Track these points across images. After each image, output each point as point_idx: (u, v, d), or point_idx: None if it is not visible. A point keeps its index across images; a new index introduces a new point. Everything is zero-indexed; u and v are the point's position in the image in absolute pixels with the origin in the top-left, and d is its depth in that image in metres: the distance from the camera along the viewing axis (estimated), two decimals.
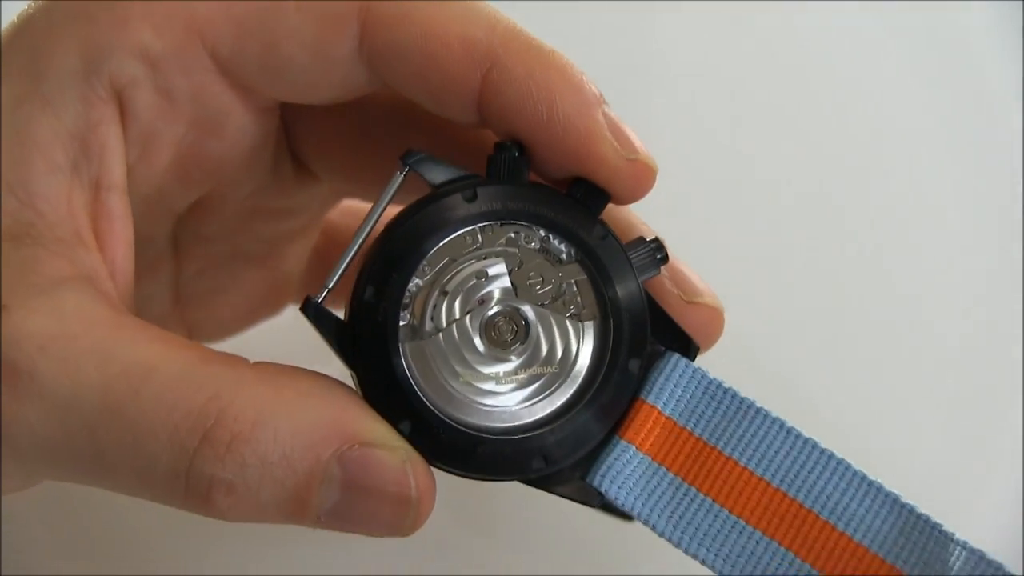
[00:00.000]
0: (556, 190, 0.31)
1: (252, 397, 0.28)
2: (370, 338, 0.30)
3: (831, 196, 0.50)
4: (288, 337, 0.38)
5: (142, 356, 0.28)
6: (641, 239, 0.32)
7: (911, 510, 0.30)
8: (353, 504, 0.29)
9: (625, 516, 0.33)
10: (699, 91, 0.52)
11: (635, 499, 0.31)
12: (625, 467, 0.31)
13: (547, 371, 0.31)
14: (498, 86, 0.30)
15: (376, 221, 0.31)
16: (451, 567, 0.43)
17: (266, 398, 0.28)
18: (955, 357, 0.48)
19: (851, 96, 0.52)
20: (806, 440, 0.31)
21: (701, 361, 0.32)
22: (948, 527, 0.30)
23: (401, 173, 0.31)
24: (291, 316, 0.40)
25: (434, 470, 0.30)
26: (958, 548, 0.30)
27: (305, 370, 0.30)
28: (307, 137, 0.36)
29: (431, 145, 0.32)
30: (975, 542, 0.30)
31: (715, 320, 0.33)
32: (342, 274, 0.31)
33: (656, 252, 0.31)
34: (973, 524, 0.31)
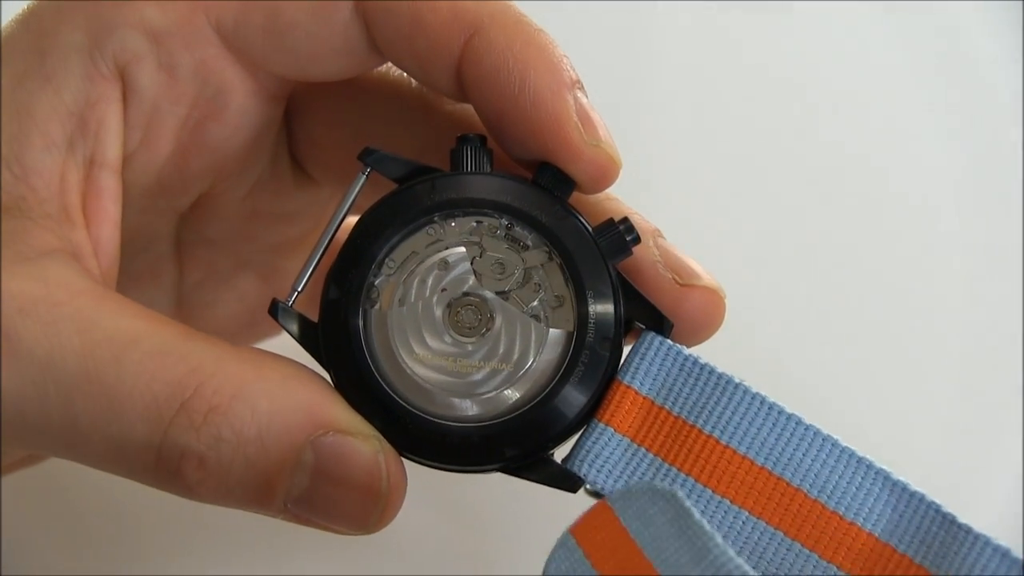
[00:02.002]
0: (519, 177, 0.31)
1: (233, 373, 0.28)
2: (335, 335, 0.30)
3: (831, 196, 0.50)
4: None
5: (125, 327, 0.28)
6: (610, 220, 0.31)
7: (904, 487, 0.29)
8: (322, 493, 0.29)
9: None
10: (699, 91, 0.52)
11: (615, 482, 0.30)
12: (603, 450, 0.30)
13: (513, 357, 0.30)
14: (478, 54, 0.30)
15: (340, 222, 0.31)
16: (447, 567, 0.43)
17: (247, 376, 0.29)
18: (955, 356, 0.48)
19: (851, 96, 0.52)
20: (790, 416, 0.30)
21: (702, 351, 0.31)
22: (945, 507, 0.29)
23: (363, 173, 0.31)
24: None
25: (411, 465, 0.30)
26: (962, 532, 0.29)
27: (287, 358, 0.30)
28: (305, 139, 0.37)
29: (423, 148, 0.32)
30: None
31: (715, 303, 0.32)
32: (310, 276, 0.31)
33: (626, 233, 0.31)
34: (972, 523, 0.30)
